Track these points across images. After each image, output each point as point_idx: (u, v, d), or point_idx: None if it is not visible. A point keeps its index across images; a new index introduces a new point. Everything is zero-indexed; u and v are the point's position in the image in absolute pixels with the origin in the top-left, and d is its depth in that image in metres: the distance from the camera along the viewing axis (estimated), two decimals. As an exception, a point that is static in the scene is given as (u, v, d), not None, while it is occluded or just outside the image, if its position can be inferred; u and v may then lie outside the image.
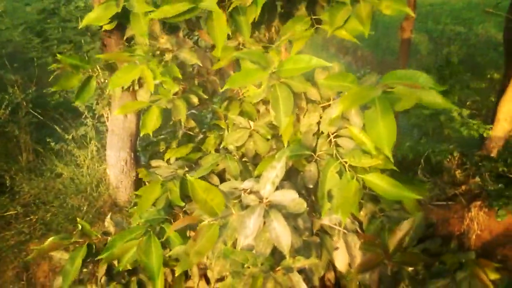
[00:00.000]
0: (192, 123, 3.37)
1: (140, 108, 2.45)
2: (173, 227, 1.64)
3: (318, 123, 2.06)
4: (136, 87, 2.58)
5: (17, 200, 3.22)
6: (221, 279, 2.36)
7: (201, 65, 2.38)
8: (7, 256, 2.98)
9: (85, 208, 3.06)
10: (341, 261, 1.97)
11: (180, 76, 2.25)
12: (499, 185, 3.22)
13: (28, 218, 3.09)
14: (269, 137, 2.29)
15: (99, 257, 1.91)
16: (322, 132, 1.99)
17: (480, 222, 3.14)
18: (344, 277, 2.72)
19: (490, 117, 4.05)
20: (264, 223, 1.61)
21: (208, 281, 2.58)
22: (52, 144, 3.54)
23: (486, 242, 3.15)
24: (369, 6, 1.75)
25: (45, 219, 3.05)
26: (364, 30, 1.78)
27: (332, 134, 1.93)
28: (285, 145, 1.95)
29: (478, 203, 3.22)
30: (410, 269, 1.94)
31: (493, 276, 2.04)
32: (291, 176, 2.18)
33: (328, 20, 1.81)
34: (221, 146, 2.62)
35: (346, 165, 1.70)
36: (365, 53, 8.50)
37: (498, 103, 3.73)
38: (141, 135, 2.38)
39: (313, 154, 1.90)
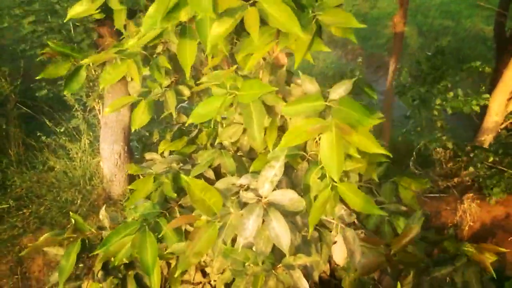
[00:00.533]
0: (184, 118, 3.35)
1: (129, 103, 2.41)
2: (169, 226, 1.63)
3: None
4: (129, 79, 2.55)
5: (9, 194, 3.18)
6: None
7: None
8: (0, 251, 2.95)
9: (78, 201, 3.03)
10: (339, 255, 1.98)
11: (169, 66, 2.22)
12: (492, 170, 3.27)
13: (21, 212, 3.05)
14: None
15: (94, 252, 1.90)
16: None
17: (472, 214, 3.19)
18: (339, 269, 2.75)
19: (481, 110, 4.10)
20: (263, 221, 1.61)
21: (204, 274, 2.60)
22: (44, 137, 3.49)
23: (478, 233, 3.20)
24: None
25: (39, 212, 3.02)
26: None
27: (318, 136, 1.92)
28: (271, 150, 1.95)
29: (471, 195, 3.26)
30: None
31: (492, 258, 2.09)
32: (288, 173, 2.19)
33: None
34: (216, 141, 2.61)
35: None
36: (355, 46, 8.51)
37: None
38: (132, 130, 2.36)
39: (305, 154, 1.90)
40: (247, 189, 1.76)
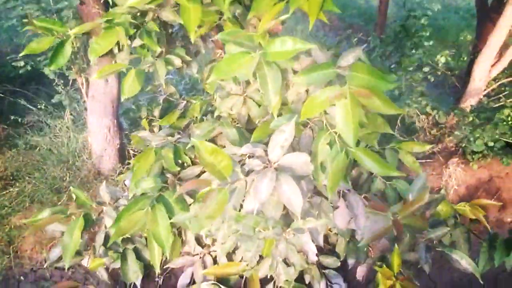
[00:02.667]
0: (172, 89, 3.29)
1: (118, 70, 2.33)
2: (182, 189, 1.61)
3: (307, 91, 2.05)
4: (116, 51, 2.47)
5: (-7, 174, 3.07)
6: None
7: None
8: (-11, 231, 2.87)
9: (68, 178, 2.96)
10: (340, 220, 2.02)
11: (157, 29, 2.16)
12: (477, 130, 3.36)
13: (8, 192, 2.96)
14: (264, 103, 2.26)
15: (109, 229, 1.87)
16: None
17: (457, 178, 3.30)
18: (332, 235, 2.82)
19: (463, 77, 4.19)
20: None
21: (202, 246, 2.61)
22: (24, 114, 3.36)
23: (463, 196, 3.33)
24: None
25: (27, 191, 2.94)
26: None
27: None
28: (275, 117, 1.93)
29: (455, 159, 3.37)
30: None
31: (481, 213, 2.19)
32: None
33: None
34: (215, 113, 2.56)
35: (336, 136, 1.69)
36: (332, 17, 8.43)
37: (471, 64, 3.85)
38: (122, 100, 2.29)
39: (308, 121, 1.89)
40: (251, 157, 1.75)
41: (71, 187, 2.25)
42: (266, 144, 1.92)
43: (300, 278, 2.49)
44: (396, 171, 1.57)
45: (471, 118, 3.55)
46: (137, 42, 2.21)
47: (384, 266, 2.22)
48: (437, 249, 2.13)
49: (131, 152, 3.13)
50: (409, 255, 2.14)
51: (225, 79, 2.06)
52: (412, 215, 1.68)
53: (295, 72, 1.90)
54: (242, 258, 2.29)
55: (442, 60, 4.05)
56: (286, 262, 2.10)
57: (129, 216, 1.80)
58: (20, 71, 3.48)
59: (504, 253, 2.73)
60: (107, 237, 2.26)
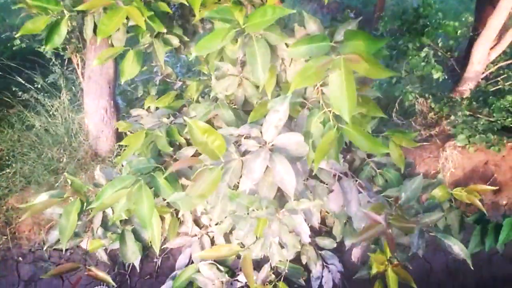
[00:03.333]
0: (169, 70, 3.26)
1: (117, 54, 2.30)
2: (174, 167, 1.61)
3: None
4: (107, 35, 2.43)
5: (-12, 154, 3.06)
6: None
7: (186, 3, 2.25)
8: (-15, 212, 2.87)
9: (64, 159, 2.95)
10: (334, 203, 2.03)
11: (170, 11, 2.13)
12: (468, 118, 3.36)
13: (4, 172, 2.95)
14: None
15: (89, 207, 1.87)
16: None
17: (454, 160, 3.31)
18: (329, 217, 2.84)
19: (461, 60, 4.16)
20: (267, 167, 1.61)
21: (199, 227, 2.63)
22: (20, 93, 3.32)
23: (459, 179, 3.34)
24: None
25: (23, 171, 2.93)
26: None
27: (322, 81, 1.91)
28: (269, 97, 1.92)
29: (452, 142, 3.37)
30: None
31: (476, 197, 2.21)
32: (286, 123, 2.19)
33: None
34: (211, 94, 2.54)
35: (331, 114, 1.68)
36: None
37: (470, 46, 3.82)
38: (121, 82, 2.27)
39: (305, 101, 1.89)
40: (248, 138, 1.75)
41: (65, 173, 2.24)
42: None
43: (297, 259, 2.52)
44: (386, 149, 1.56)
45: (463, 106, 3.55)
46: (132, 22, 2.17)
47: (378, 250, 2.25)
48: (430, 234, 2.16)
49: (128, 133, 3.11)
50: (402, 238, 2.16)
51: (204, 54, 2.03)
52: (403, 219, 1.69)
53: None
54: (236, 240, 2.31)
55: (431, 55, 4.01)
56: (281, 244, 2.12)
57: (112, 193, 1.80)
58: (14, 48, 3.43)
59: (495, 238, 2.77)
60: (105, 219, 2.27)
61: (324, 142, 1.56)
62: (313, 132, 1.64)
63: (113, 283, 2.24)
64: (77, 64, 3.46)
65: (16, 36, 1.98)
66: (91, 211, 1.97)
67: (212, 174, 1.60)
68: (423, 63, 3.90)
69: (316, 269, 2.59)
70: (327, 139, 1.56)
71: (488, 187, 2.31)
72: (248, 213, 1.76)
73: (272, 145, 1.64)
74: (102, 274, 2.17)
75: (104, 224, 2.23)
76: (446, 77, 4.29)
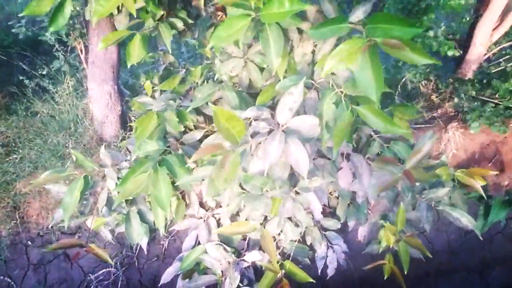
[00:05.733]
0: (171, 58, 3.26)
1: (122, 38, 2.31)
2: (198, 155, 1.63)
3: (312, 52, 2.04)
4: (115, 12, 2.43)
5: (-5, 141, 3.09)
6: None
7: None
8: (-6, 197, 2.91)
9: (70, 144, 2.98)
10: (344, 180, 2.06)
11: None
12: (475, 104, 3.38)
13: (11, 158, 2.98)
14: (265, 66, 2.25)
15: (113, 190, 1.91)
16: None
17: (456, 142, 3.33)
18: (332, 198, 2.87)
19: (463, 43, 4.15)
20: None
21: (205, 210, 2.66)
22: (26, 80, 3.34)
23: (461, 160, 3.37)
24: None
25: (30, 157, 2.96)
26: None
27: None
28: (281, 79, 1.93)
29: (455, 124, 3.39)
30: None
31: (482, 182, 2.23)
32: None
33: None
34: (216, 75, 2.56)
35: (342, 95, 1.70)
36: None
37: (472, 28, 3.81)
38: (128, 66, 2.27)
39: (313, 82, 1.90)
40: (256, 120, 1.77)
41: (70, 149, 2.27)
42: (269, 107, 1.94)
43: (302, 240, 2.56)
44: (402, 128, 1.58)
45: (469, 89, 3.56)
46: (138, 4, 2.18)
47: (388, 223, 2.28)
48: (437, 208, 2.19)
49: (133, 118, 3.13)
50: (410, 213, 2.20)
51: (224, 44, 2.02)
52: (418, 167, 1.71)
53: (300, 31, 1.88)
54: (246, 220, 2.35)
55: (440, 33, 4.00)
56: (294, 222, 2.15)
57: (133, 178, 1.83)
58: (20, 36, 3.44)
59: (499, 212, 2.80)
60: (110, 199, 2.30)
61: (341, 125, 1.58)
62: (325, 113, 1.66)
63: (111, 261, 2.26)
64: (81, 50, 3.48)
65: (20, 15, 1.98)
66: (100, 190, 2.00)
67: (233, 157, 1.61)
68: (434, 43, 3.89)
69: (321, 249, 2.63)
70: (343, 121, 1.58)
71: (489, 171, 2.33)
72: (262, 194, 1.79)
73: (285, 127, 1.66)
74: (102, 252, 2.19)
75: (109, 204, 2.26)
76: (449, 59, 4.30)
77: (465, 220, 2.12)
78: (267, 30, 1.67)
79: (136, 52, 2.18)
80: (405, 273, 2.01)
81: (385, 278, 2.16)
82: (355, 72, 1.36)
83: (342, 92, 1.69)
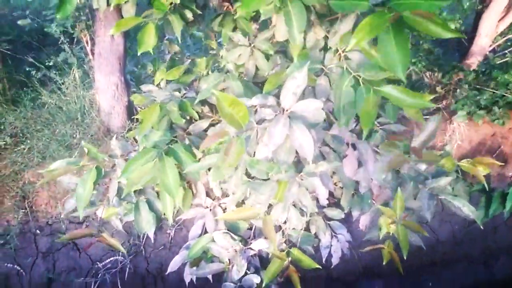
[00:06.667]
0: (176, 48, 3.28)
1: (136, 24, 2.32)
2: (206, 143, 1.66)
3: (325, 37, 2.05)
4: (122, 1, 2.44)
5: (3, 132, 3.12)
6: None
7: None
8: (3, 186, 2.95)
9: (78, 135, 3.01)
10: (349, 167, 2.08)
11: None
12: (472, 93, 3.38)
13: (20, 148, 3.02)
14: (271, 52, 2.27)
15: (118, 179, 1.94)
16: (330, 47, 1.99)
17: (461, 133, 3.34)
18: (337, 189, 2.89)
19: (468, 34, 4.14)
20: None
21: (212, 199, 2.69)
22: (33, 72, 3.37)
23: (466, 151, 3.38)
24: None
25: (38, 147, 3.00)
26: None
27: (341, 48, 1.94)
28: (296, 60, 1.94)
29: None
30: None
31: (486, 171, 2.25)
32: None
33: None
34: (222, 63, 2.57)
35: (360, 79, 1.72)
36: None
37: (477, 19, 3.80)
38: (139, 53, 2.28)
39: (323, 67, 1.92)
40: (262, 107, 1.79)
41: (82, 142, 2.31)
42: (275, 95, 1.96)
43: (306, 229, 2.59)
44: (429, 103, 1.59)
45: (469, 79, 3.56)
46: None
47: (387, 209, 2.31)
48: (439, 197, 2.21)
49: (139, 109, 3.16)
50: (411, 202, 2.22)
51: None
52: (424, 147, 1.73)
53: (316, 12, 1.89)
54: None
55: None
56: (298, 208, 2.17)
57: (138, 166, 1.86)
58: (25, 27, 3.46)
59: (499, 205, 2.82)
60: (120, 189, 2.34)
61: (366, 107, 1.60)
62: (343, 97, 1.68)
63: (123, 250, 2.31)
64: (86, 42, 3.49)
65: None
66: (110, 181, 2.04)
67: (237, 143, 1.64)
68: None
69: (325, 238, 2.66)
70: (369, 103, 1.60)
71: (493, 161, 2.35)
72: (268, 179, 1.81)
73: (290, 112, 1.68)
74: (113, 241, 2.24)
75: (119, 194, 2.30)
76: (454, 51, 4.30)
77: (466, 209, 2.15)
78: (289, 5, 1.68)
79: (147, 40, 2.20)
80: (405, 258, 2.03)
81: (384, 263, 2.19)
82: (378, 47, 1.36)
83: (360, 76, 1.71)
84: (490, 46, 3.78)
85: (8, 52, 3.67)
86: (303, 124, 1.59)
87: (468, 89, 3.50)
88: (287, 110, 1.63)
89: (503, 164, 3.43)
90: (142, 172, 1.94)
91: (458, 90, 3.57)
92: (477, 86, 3.54)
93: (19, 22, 3.58)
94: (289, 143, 1.66)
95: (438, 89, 3.87)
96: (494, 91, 3.41)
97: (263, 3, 1.61)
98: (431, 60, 3.80)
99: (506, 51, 3.76)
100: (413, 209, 2.21)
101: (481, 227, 2.23)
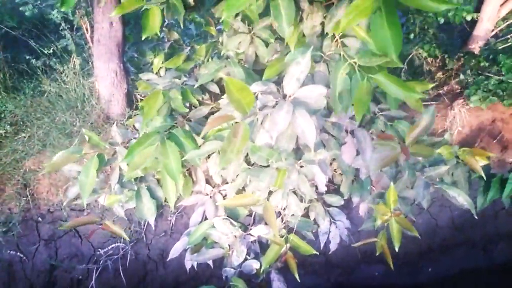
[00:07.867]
0: (175, 35, 3.26)
1: (138, 7, 2.30)
2: (209, 126, 1.66)
3: (322, 23, 2.04)
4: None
5: (3, 120, 3.12)
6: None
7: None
8: (4, 174, 2.96)
9: (78, 123, 3.01)
10: (348, 154, 2.09)
11: None
12: (479, 78, 3.36)
13: (20, 136, 3.03)
14: (272, 40, 2.26)
15: (120, 162, 1.94)
16: (327, 34, 1.98)
17: (461, 119, 3.33)
18: (337, 175, 2.90)
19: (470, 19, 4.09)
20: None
21: (212, 186, 2.70)
22: (33, 60, 3.35)
23: (466, 137, 3.37)
24: None
25: (38, 135, 3.00)
26: None
27: (338, 34, 1.92)
28: (292, 50, 1.93)
29: (460, 101, 3.38)
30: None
31: (483, 161, 2.24)
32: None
33: None
34: (222, 51, 2.55)
35: (356, 66, 1.71)
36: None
37: (480, 3, 3.75)
38: (143, 37, 2.27)
39: (322, 54, 1.90)
40: (264, 93, 1.79)
41: (83, 129, 2.31)
42: (275, 82, 1.95)
43: (306, 216, 2.60)
44: (420, 94, 1.58)
45: (480, 62, 3.53)
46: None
47: (381, 202, 2.32)
48: (435, 186, 2.22)
49: (138, 97, 3.16)
50: (408, 192, 2.23)
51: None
52: (418, 141, 1.74)
53: (310, 2, 1.87)
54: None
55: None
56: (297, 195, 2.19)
57: (140, 150, 1.87)
58: (26, 13, 3.44)
59: (498, 191, 2.82)
60: (121, 177, 2.35)
61: (359, 94, 1.59)
62: (339, 84, 1.67)
63: (126, 237, 2.34)
64: (86, 29, 3.46)
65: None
66: (110, 168, 2.04)
67: (243, 129, 1.64)
68: (450, 13, 3.83)
69: (324, 224, 2.67)
70: (362, 90, 1.59)
71: (488, 153, 2.35)
72: (268, 165, 1.81)
73: (293, 97, 1.67)
74: (117, 228, 2.27)
75: (121, 182, 2.31)
76: (456, 36, 4.25)
77: (461, 199, 2.16)
78: None
79: (153, 24, 2.19)
80: (397, 250, 2.05)
81: (377, 254, 2.21)
82: (372, 30, 1.35)
83: (355, 63, 1.70)
84: (492, 31, 3.74)
85: (10, 39, 3.65)
86: (306, 110, 1.59)
87: (472, 74, 3.47)
88: (290, 96, 1.63)
89: (503, 148, 3.43)
90: (143, 156, 1.94)
91: (461, 76, 3.55)
92: (479, 72, 3.52)
93: (20, 8, 3.55)
94: (291, 130, 1.66)
95: (438, 75, 3.85)
96: (498, 76, 3.38)
97: (245, 4, 1.59)
98: (437, 45, 3.76)
99: (509, 36, 3.72)
100: (409, 198, 2.22)
101: (475, 216, 2.23)
